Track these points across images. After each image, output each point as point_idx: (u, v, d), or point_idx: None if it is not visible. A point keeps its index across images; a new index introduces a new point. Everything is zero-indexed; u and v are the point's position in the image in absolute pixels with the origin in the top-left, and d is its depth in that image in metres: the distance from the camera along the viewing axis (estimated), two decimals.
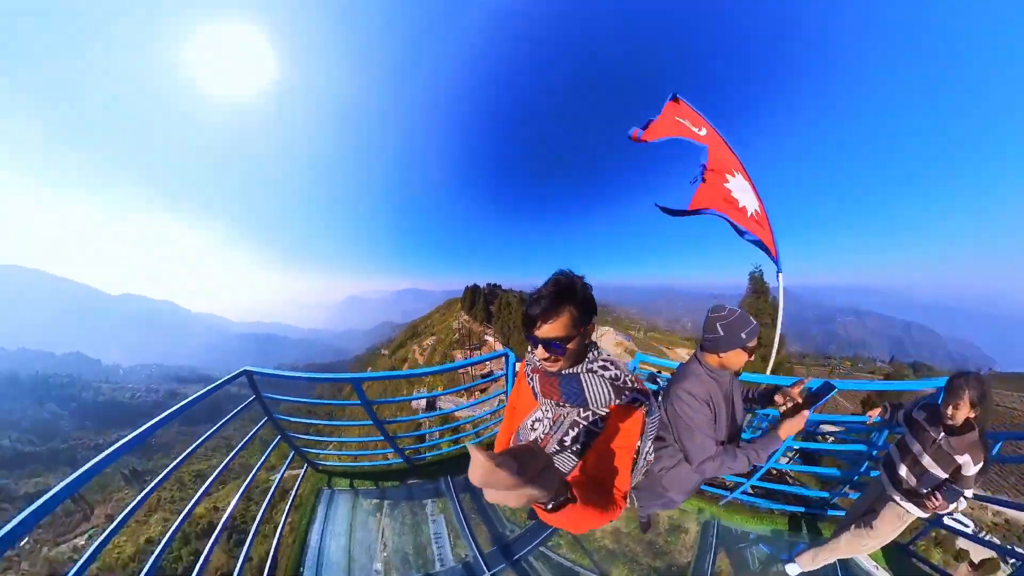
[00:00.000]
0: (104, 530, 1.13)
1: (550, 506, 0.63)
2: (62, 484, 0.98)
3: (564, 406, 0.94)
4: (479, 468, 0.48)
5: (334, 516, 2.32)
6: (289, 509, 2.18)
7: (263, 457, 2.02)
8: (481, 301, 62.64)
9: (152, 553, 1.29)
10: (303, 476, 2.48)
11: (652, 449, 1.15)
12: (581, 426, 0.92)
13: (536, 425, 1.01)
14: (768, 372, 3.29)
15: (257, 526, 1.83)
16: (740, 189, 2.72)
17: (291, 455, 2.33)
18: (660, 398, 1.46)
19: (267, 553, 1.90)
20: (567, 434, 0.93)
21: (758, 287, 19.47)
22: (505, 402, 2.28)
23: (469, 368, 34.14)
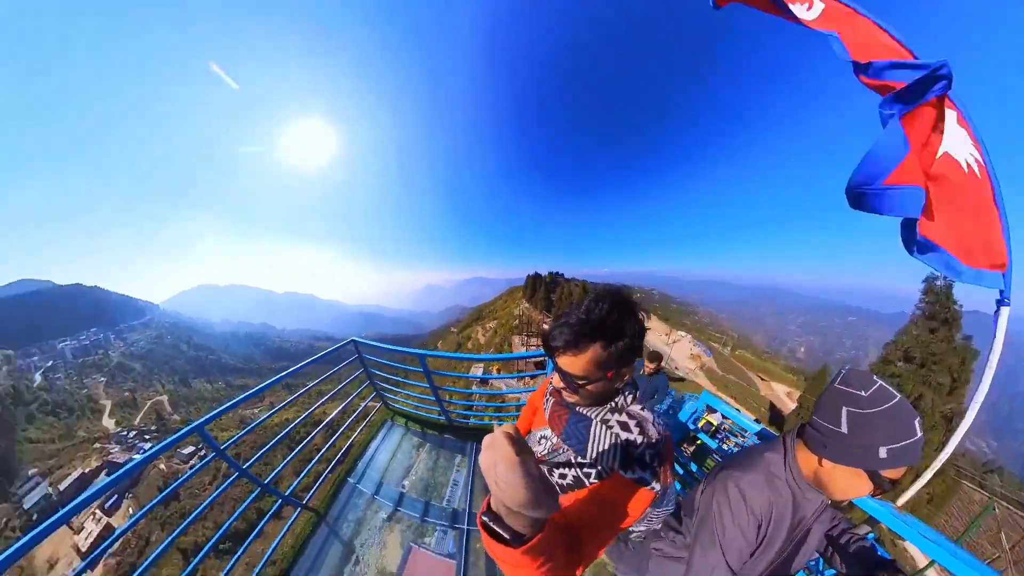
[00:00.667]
0: (267, 411, 2.14)
1: (509, 536, 0.49)
2: (258, 387, 1.88)
3: (563, 443, 0.81)
4: (500, 457, 0.45)
5: (388, 441, 3.24)
6: (363, 428, 3.28)
7: (359, 390, 3.19)
8: (542, 289, 62.39)
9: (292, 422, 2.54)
10: (377, 409, 3.53)
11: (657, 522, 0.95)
12: (574, 472, 0.78)
13: (543, 441, 0.91)
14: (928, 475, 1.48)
15: (342, 431, 3.03)
16: (952, 135, 1.20)
17: (373, 394, 3.44)
18: (707, 472, 1.05)
19: (340, 450, 3.02)
20: (560, 469, 0.81)
21: (939, 310, 10.70)
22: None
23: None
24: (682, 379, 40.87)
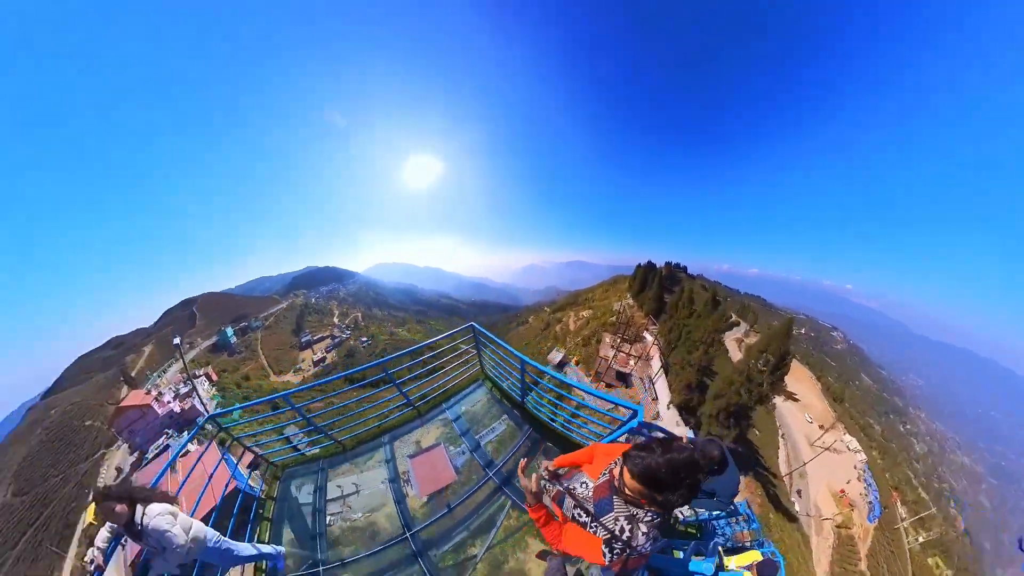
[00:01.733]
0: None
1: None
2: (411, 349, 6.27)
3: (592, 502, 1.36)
4: (527, 482, 1.34)
5: (475, 393, 5.14)
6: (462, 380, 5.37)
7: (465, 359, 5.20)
8: (655, 285, 49.08)
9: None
10: (475, 371, 5.41)
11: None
12: (585, 519, 1.36)
13: (583, 485, 1.45)
14: None
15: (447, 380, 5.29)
16: None
17: (476, 362, 5.19)
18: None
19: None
20: (579, 509, 1.39)
21: None
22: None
23: (611, 358, 34.80)
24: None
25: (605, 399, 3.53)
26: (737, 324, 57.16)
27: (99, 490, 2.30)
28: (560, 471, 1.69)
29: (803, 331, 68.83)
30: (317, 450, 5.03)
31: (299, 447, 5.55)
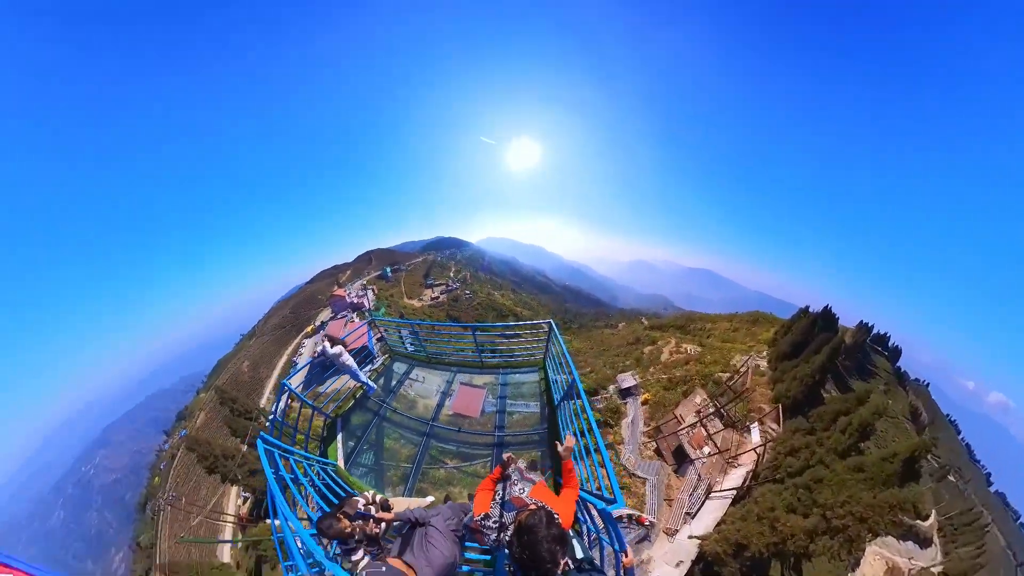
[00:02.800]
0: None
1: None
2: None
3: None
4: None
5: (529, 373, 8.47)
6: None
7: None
8: (817, 355, 29.09)
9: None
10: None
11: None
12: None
13: (517, 488, 2.33)
14: None
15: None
16: None
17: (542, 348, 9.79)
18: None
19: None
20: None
21: None
22: None
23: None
24: None
25: (611, 477, 2.86)
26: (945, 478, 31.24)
27: (328, 336, 5.95)
28: (513, 474, 2.39)
29: None
30: (411, 350, 7.58)
31: (405, 344, 8.23)
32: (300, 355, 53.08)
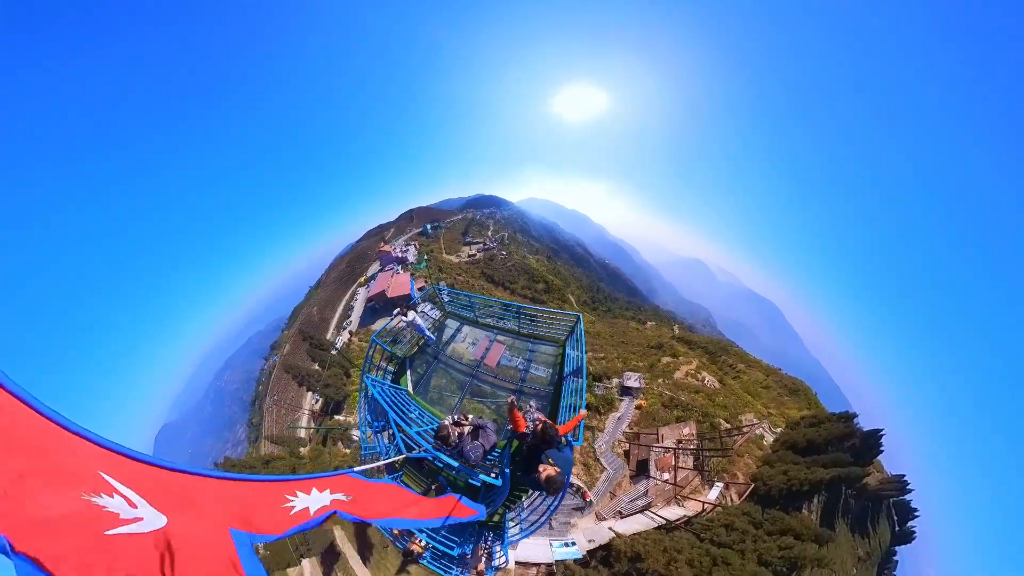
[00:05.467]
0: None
1: None
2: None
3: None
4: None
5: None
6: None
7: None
8: (831, 471, 25.94)
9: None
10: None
11: None
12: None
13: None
14: None
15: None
16: None
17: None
18: None
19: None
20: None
21: None
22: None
23: None
24: None
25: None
26: None
27: (401, 304, 7.63)
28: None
29: None
30: (463, 312, 9.13)
31: (444, 299, 9.76)
32: (355, 300, 63.63)
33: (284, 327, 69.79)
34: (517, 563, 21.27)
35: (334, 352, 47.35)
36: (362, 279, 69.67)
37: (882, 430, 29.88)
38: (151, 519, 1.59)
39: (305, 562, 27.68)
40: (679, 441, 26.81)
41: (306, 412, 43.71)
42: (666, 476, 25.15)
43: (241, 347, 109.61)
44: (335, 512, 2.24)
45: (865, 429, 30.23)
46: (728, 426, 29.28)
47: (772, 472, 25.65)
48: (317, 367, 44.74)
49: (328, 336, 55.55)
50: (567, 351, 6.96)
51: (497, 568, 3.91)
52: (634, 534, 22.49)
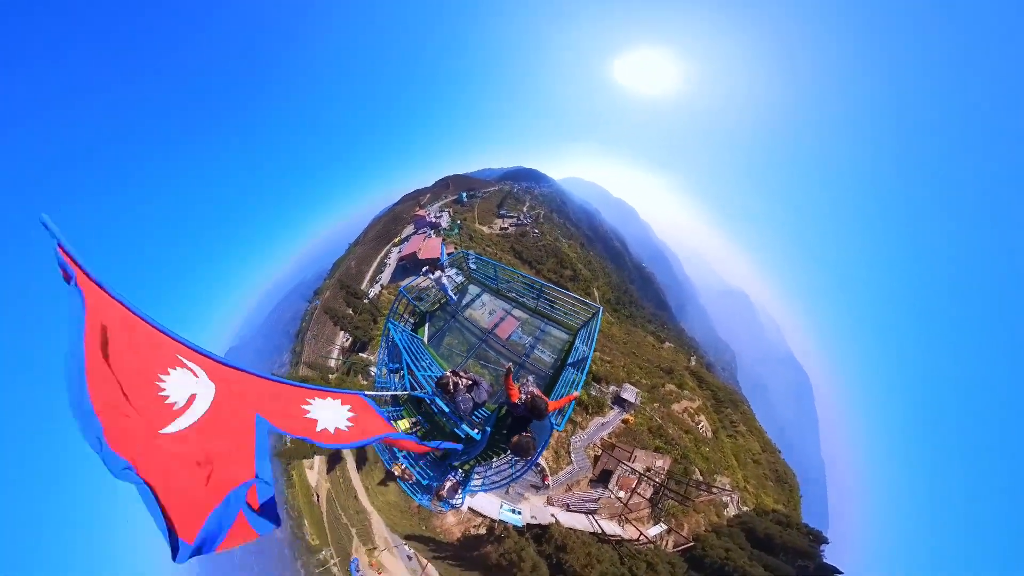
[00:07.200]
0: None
1: None
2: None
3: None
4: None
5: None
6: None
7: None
8: None
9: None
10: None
11: None
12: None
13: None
14: None
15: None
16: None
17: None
18: None
19: None
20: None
21: None
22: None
23: None
24: None
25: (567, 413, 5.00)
26: None
27: (430, 265, 8.13)
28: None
29: None
30: (488, 281, 9.26)
31: (471, 266, 9.93)
32: (389, 258, 67.73)
33: (326, 276, 77.17)
34: (469, 508, 24.60)
35: (365, 301, 52.24)
36: (396, 240, 73.35)
37: (841, 572, 27.60)
38: (205, 392, 2.09)
39: (316, 458, 34.58)
40: (648, 469, 26.82)
41: (337, 347, 51.01)
42: (621, 494, 26.13)
43: (290, 290, 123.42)
44: (339, 445, 2.66)
45: (826, 561, 28.35)
46: (700, 479, 28.42)
47: (716, 543, 25.68)
48: (350, 312, 49.78)
49: (362, 287, 60.77)
50: (576, 342, 6.97)
51: (452, 506, 4.45)
52: (570, 528, 24.50)
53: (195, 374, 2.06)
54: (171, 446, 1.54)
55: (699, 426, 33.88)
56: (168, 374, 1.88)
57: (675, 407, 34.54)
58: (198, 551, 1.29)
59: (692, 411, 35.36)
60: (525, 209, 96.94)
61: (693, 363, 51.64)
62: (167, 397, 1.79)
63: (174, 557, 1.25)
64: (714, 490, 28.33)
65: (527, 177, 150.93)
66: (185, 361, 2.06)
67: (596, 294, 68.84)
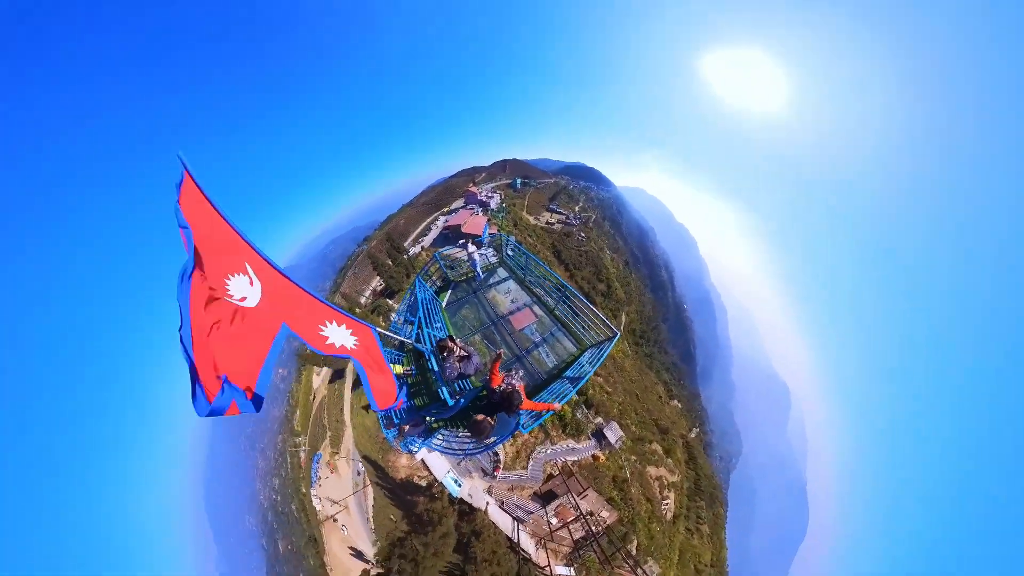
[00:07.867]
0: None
1: None
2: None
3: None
4: None
5: None
6: None
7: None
8: None
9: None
10: None
11: None
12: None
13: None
14: None
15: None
16: None
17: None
18: None
19: None
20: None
21: None
22: None
23: None
24: None
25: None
26: None
27: (469, 238, 8.20)
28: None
29: None
30: (517, 268, 9.53)
31: (508, 252, 10.19)
32: (434, 224, 71.42)
33: (377, 227, 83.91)
34: (422, 460, 27.27)
35: (405, 257, 56.71)
36: (445, 209, 76.95)
37: None
38: (254, 295, 2.62)
39: (325, 368, 40.01)
40: (591, 514, 25.95)
41: (370, 288, 57.52)
42: (554, 521, 26.05)
43: (346, 232, 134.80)
44: (346, 356, 3.28)
45: None
46: (634, 553, 26.53)
47: None
48: (389, 262, 54.95)
49: (405, 244, 65.07)
50: (582, 358, 6.79)
51: (410, 451, 5.00)
52: (492, 522, 26.24)
53: (251, 283, 2.59)
54: (214, 330, 2.08)
55: (663, 502, 32.18)
56: (231, 277, 2.38)
57: (651, 470, 32.73)
58: (211, 413, 1.87)
59: (665, 483, 33.35)
60: (577, 209, 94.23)
61: (693, 435, 47.85)
62: (232, 296, 2.32)
63: (197, 410, 1.83)
64: (639, 572, 26.85)
65: (586, 176, 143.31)
66: (248, 268, 2.58)
67: (623, 319, 65.92)
